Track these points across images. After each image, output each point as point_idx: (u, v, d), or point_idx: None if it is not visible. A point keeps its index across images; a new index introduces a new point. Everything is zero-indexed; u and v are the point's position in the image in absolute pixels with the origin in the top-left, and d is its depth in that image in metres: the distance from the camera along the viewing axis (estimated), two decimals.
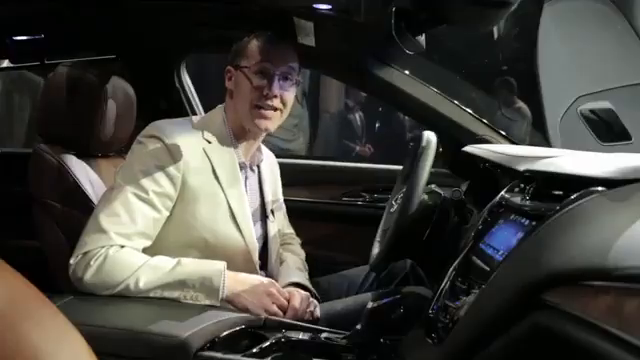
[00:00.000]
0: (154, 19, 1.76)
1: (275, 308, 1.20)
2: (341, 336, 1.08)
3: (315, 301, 1.32)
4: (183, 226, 1.26)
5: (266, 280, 1.25)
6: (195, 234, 1.27)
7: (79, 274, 1.15)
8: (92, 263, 1.14)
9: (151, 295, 1.15)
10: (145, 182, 1.21)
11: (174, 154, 1.24)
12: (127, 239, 1.18)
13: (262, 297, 1.19)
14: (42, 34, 1.82)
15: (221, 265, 1.20)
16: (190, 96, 2.18)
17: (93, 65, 1.63)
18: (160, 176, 1.22)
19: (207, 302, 1.16)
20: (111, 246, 1.16)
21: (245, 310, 1.18)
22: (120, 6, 1.65)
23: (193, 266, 1.19)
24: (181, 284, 1.16)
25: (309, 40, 1.58)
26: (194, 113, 2.15)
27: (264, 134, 1.38)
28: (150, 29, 1.85)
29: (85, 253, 1.16)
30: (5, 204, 1.97)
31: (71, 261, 1.17)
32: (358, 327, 1.07)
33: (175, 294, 1.16)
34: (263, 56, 1.30)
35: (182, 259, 1.20)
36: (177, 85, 2.13)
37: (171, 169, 1.23)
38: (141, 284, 1.14)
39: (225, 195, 1.30)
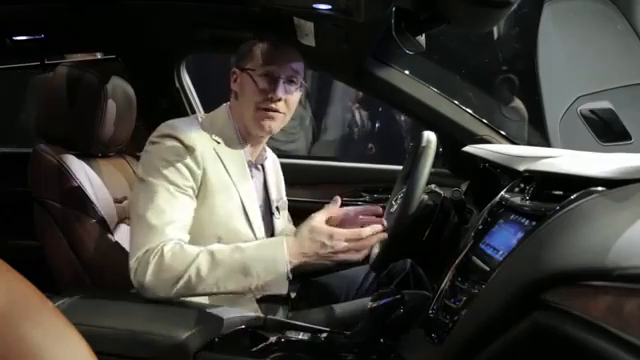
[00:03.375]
0: (154, 19, 1.76)
1: (343, 245, 1.13)
2: (341, 336, 1.09)
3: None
4: (199, 222, 1.25)
5: (308, 230, 1.16)
6: (210, 229, 1.26)
7: (140, 276, 1.12)
8: (151, 260, 1.12)
9: (215, 290, 1.13)
10: (174, 177, 1.20)
11: (191, 151, 1.24)
12: (178, 232, 1.17)
13: (322, 250, 1.13)
14: (42, 34, 1.82)
15: (281, 245, 1.14)
16: (190, 96, 2.18)
17: (93, 65, 1.62)
18: (185, 171, 1.22)
19: (275, 291, 1.17)
20: (165, 242, 1.14)
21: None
22: (120, 6, 1.65)
23: (254, 250, 1.15)
24: (244, 270, 1.12)
25: (309, 40, 1.58)
26: (194, 113, 2.15)
27: (268, 135, 1.38)
28: (150, 29, 1.85)
29: (144, 252, 1.13)
30: (5, 204, 1.97)
31: (131, 264, 1.14)
32: (358, 327, 1.07)
33: (241, 283, 1.12)
34: (268, 59, 1.30)
35: (240, 244, 1.16)
36: (177, 85, 2.13)
37: (192, 165, 1.23)
38: (203, 272, 1.11)
39: (238, 191, 1.30)
